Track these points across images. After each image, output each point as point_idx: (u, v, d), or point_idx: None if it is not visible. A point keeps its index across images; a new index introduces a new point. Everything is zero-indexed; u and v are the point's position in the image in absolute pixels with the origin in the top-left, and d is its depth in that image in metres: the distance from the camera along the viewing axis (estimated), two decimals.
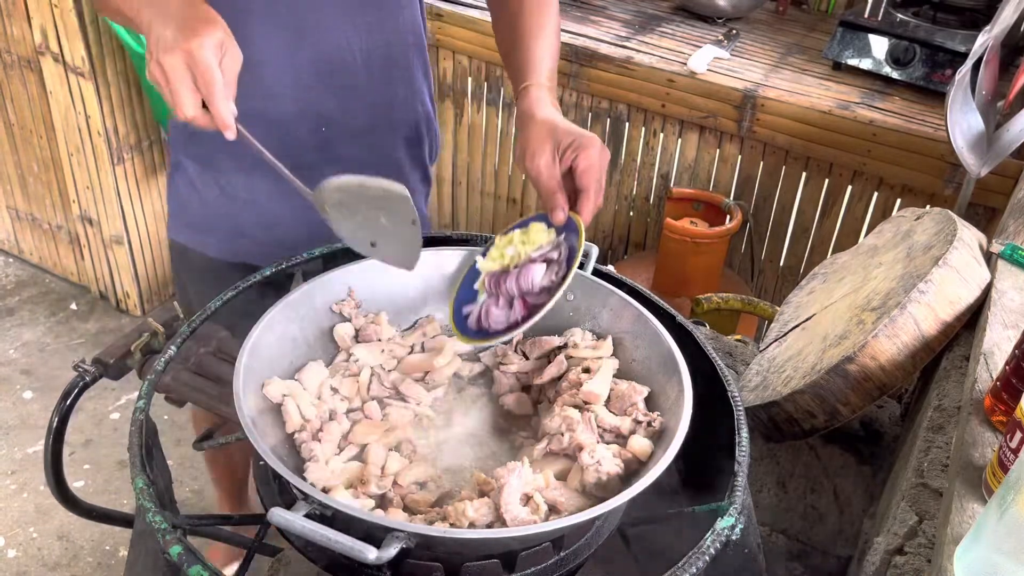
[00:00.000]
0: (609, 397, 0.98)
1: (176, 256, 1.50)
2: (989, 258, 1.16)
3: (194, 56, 0.90)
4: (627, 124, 2.23)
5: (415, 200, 1.52)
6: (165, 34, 0.92)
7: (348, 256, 1.14)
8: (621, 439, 0.94)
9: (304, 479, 0.85)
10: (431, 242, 1.18)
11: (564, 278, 0.99)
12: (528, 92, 1.11)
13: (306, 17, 1.23)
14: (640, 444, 0.92)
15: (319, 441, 0.92)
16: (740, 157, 2.16)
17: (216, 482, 1.99)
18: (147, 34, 0.96)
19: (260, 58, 1.20)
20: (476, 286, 1.06)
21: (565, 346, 1.05)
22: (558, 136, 1.02)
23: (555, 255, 1.03)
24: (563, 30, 2.25)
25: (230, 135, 0.93)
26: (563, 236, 1.03)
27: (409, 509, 0.88)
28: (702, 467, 1.03)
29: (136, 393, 0.99)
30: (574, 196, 1.03)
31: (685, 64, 2.12)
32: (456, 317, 1.07)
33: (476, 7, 2.39)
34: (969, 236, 1.15)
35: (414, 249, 0.96)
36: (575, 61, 2.19)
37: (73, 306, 2.98)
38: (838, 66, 2.17)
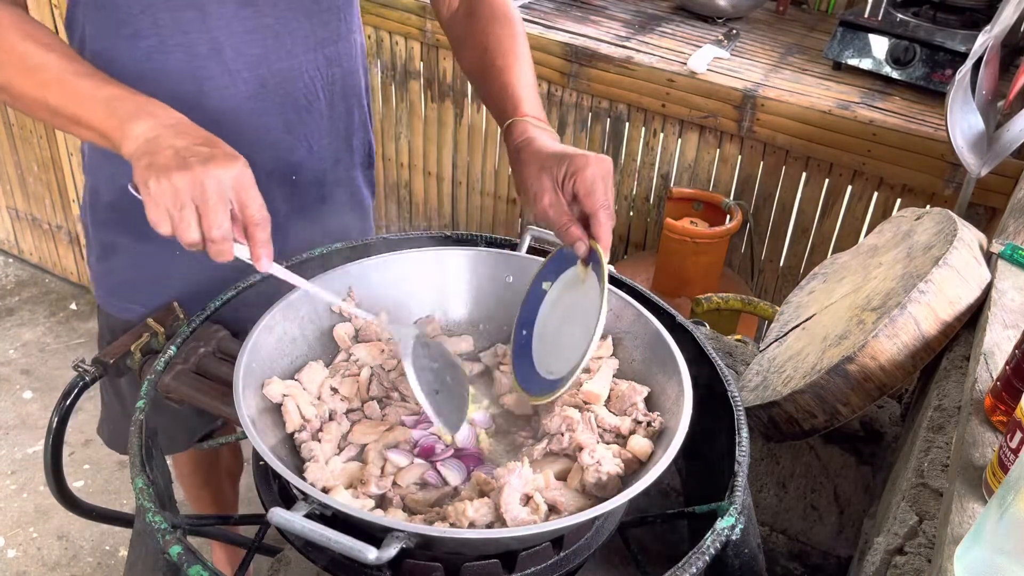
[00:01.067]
0: (609, 397, 0.98)
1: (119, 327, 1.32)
2: (989, 258, 1.16)
3: (240, 178, 0.84)
4: (627, 124, 2.23)
5: (365, 219, 1.48)
6: (192, 148, 0.83)
7: (348, 256, 1.14)
8: (621, 439, 0.94)
9: (304, 479, 0.85)
10: (431, 242, 1.18)
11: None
12: (513, 129, 1.06)
13: (273, 65, 1.17)
14: (640, 444, 0.92)
15: (319, 441, 0.92)
16: (740, 157, 2.15)
17: (195, 500, 1.87)
18: (151, 144, 0.86)
19: (230, 113, 1.12)
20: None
21: None
22: (550, 168, 0.97)
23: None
24: (563, 30, 2.26)
25: (265, 267, 0.88)
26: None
27: (409, 509, 0.88)
28: (702, 467, 1.03)
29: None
30: (587, 219, 0.97)
31: (685, 64, 2.11)
32: (516, 345, 1.05)
33: None
34: (969, 236, 1.15)
35: (461, 415, 0.98)
36: (575, 61, 2.18)
37: (73, 306, 2.98)
38: (838, 66, 2.17)
